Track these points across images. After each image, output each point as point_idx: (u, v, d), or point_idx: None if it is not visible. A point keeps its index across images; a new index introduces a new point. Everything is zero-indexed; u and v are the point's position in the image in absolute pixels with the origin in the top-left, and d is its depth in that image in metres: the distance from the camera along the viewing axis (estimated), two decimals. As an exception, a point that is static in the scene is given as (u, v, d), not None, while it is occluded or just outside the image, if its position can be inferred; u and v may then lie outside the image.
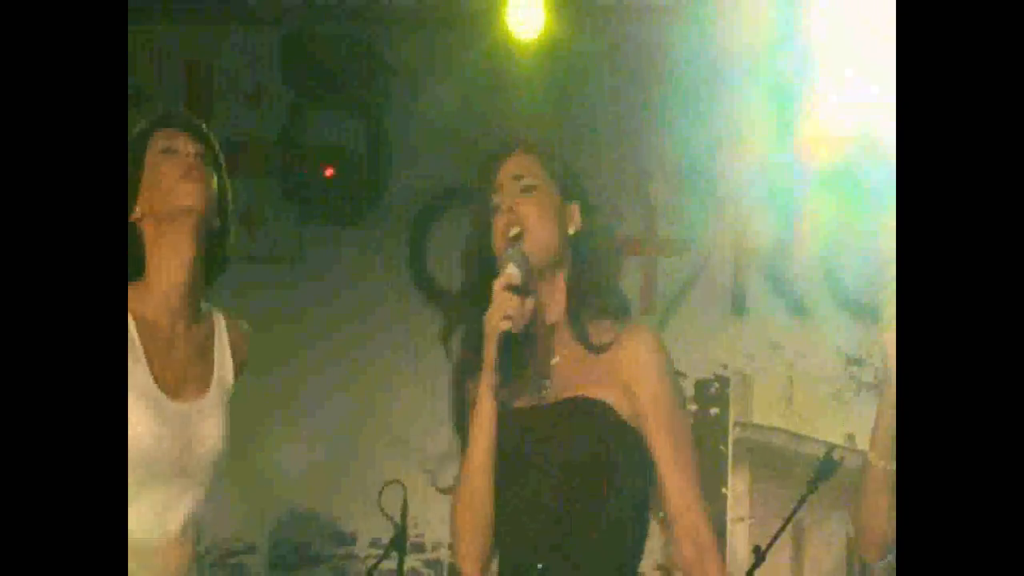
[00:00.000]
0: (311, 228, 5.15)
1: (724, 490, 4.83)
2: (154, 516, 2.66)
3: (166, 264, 2.67)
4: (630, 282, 4.75)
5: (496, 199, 2.60)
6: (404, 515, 4.28)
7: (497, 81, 4.88)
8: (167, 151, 2.69)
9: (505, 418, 2.52)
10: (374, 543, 4.82)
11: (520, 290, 2.48)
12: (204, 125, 2.80)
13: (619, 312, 2.61)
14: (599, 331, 2.57)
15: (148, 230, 2.67)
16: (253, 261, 5.00)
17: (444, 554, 4.99)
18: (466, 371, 2.59)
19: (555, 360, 2.55)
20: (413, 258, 5.08)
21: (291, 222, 5.15)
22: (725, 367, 4.91)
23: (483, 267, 2.59)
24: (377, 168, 5.08)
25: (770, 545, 4.04)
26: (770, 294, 4.93)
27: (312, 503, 5.05)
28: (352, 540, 5.02)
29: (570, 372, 2.54)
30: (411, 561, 4.82)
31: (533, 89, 4.82)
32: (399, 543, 4.31)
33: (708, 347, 4.88)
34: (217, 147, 2.80)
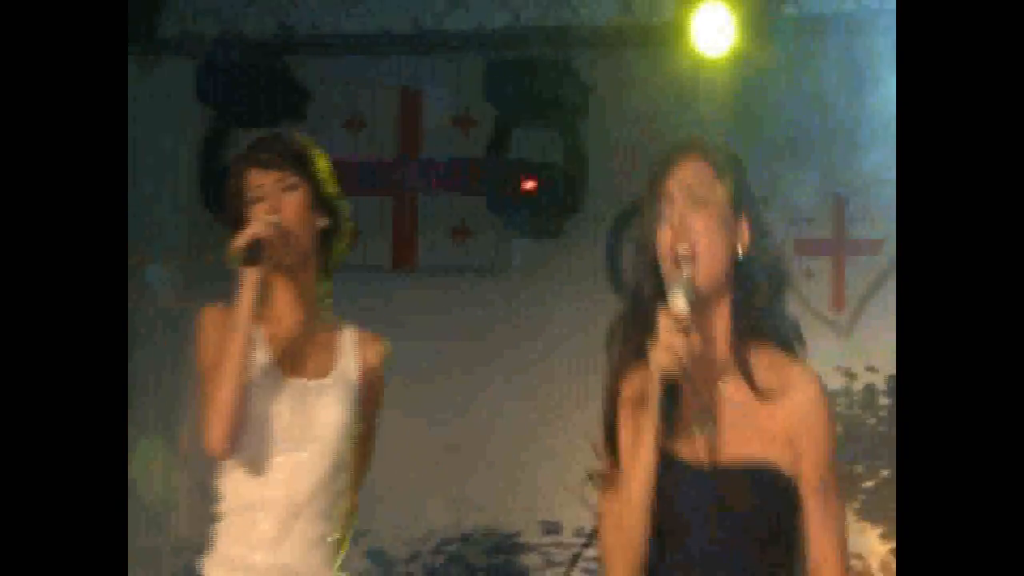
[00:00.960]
0: (515, 239, 5.33)
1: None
2: (282, 480, 2.84)
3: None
4: (820, 283, 5.00)
5: (665, 208, 2.42)
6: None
7: (687, 95, 4.93)
8: (256, 192, 2.87)
9: (667, 468, 2.34)
10: (578, 532, 4.96)
11: (687, 327, 2.30)
12: (290, 146, 2.91)
13: (788, 343, 2.43)
14: (764, 365, 2.40)
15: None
16: (463, 271, 5.34)
17: None
18: (617, 387, 2.45)
19: (719, 407, 2.38)
20: (611, 265, 5.15)
21: (496, 234, 5.34)
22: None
23: (649, 278, 2.43)
24: (575, 181, 5.20)
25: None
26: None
27: (522, 496, 5.16)
28: (558, 529, 5.13)
29: (735, 420, 2.38)
30: None
31: (721, 101, 4.86)
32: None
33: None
34: (308, 159, 2.90)
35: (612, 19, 5.23)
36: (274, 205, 2.86)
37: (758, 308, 2.40)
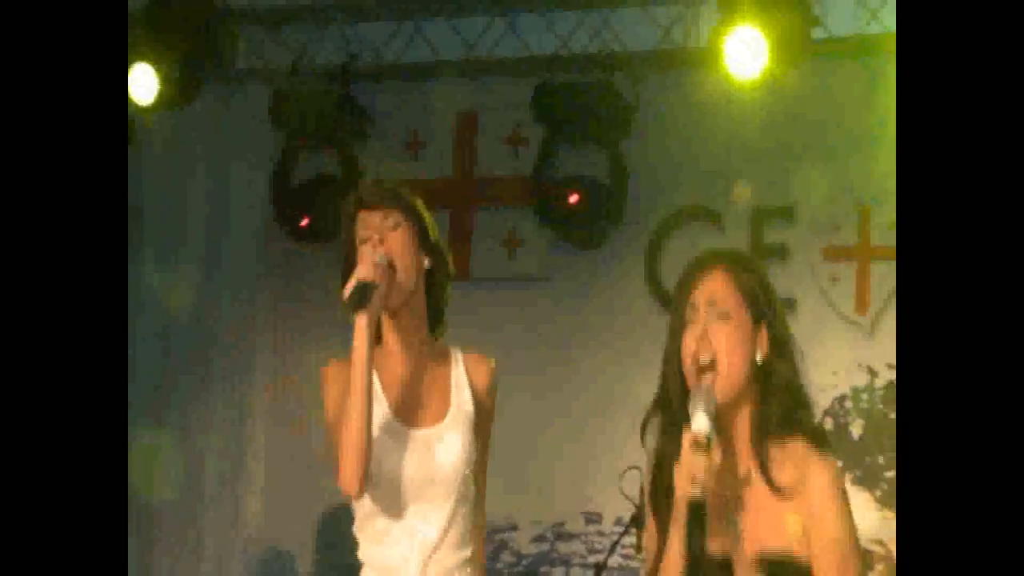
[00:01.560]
0: (561, 250, 5.43)
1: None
2: (413, 529, 2.91)
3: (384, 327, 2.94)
4: (846, 287, 5.05)
5: (690, 315, 2.50)
6: (643, 496, 4.61)
7: (722, 114, 5.06)
8: (364, 232, 2.93)
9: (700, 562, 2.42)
10: (617, 521, 5.03)
11: (708, 445, 2.37)
12: (392, 189, 2.96)
13: (813, 437, 2.50)
14: (787, 458, 2.47)
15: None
16: (510, 281, 5.50)
17: None
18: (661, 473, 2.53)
19: (741, 505, 2.47)
20: (649, 273, 5.32)
21: (544, 245, 5.47)
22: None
23: (674, 383, 2.51)
24: (617, 195, 5.32)
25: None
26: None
27: (565, 487, 5.29)
28: (599, 519, 5.25)
29: (756, 516, 2.47)
30: None
31: (753, 120, 5.02)
32: (638, 521, 4.47)
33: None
34: (410, 201, 2.96)
35: (653, 44, 5.39)
36: (381, 241, 2.91)
37: (778, 412, 2.48)
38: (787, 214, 5.17)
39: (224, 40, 5.69)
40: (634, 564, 5.06)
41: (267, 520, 5.62)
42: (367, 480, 2.90)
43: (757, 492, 2.48)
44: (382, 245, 2.92)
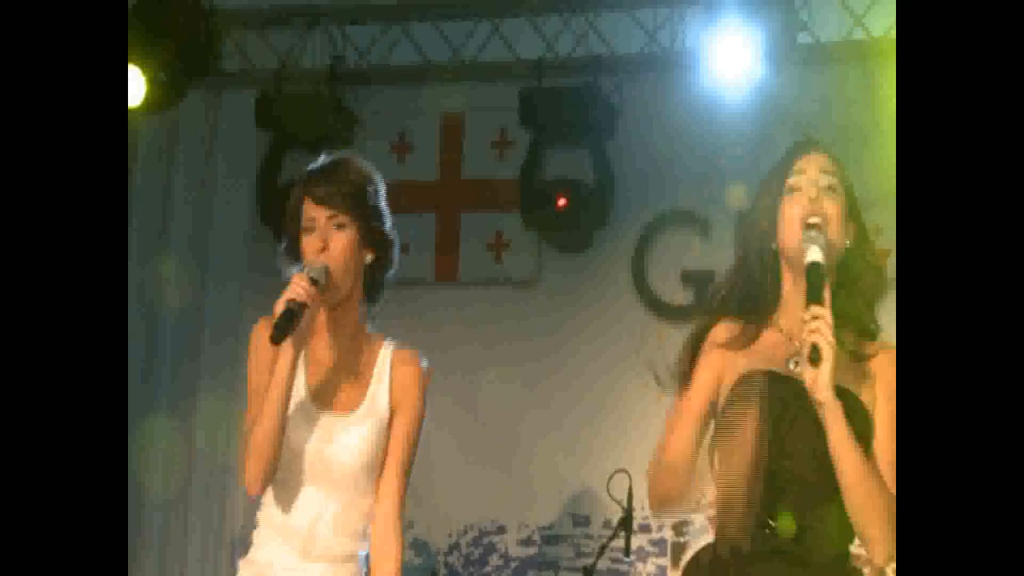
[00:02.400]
0: (547, 252, 5.45)
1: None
2: (306, 509, 2.90)
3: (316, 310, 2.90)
4: None
5: (796, 181, 2.56)
6: (630, 499, 4.53)
7: (706, 117, 5.09)
8: (308, 223, 2.90)
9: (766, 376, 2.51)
10: (606, 524, 5.05)
11: (823, 277, 2.43)
12: (347, 181, 2.92)
13: (871, 335, 2.60)
14: (857, 345, 2.56)
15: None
16: (497, 283, 5.48)
17: (667, 534, 5.15)
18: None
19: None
20: (636, 275, 5.34)
21: (531, 248, 5.46)
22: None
23: (757, 246, 2.59)
24: (604, 198, 5.32)
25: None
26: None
27: (553, 490, 5.29)
28: (587, 522, 5.25)
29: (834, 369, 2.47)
30: (639, 540, 5.03)
31: (736, 123, 5.02)
32: (627, 524, 4.59)
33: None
34: (363, 196, 2.91)
35: (638, 48, 5.39)
36: (323, 239, 2.89)
37: (856, 301, 2.56)
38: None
39: (211, 42, 5.64)
40: (622, 567, 5.09)
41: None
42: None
43: (836, 356, 2.47)
44: (322, 252, 2.89)
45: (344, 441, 2.92)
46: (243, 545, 3.06)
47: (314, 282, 2.84)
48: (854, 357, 2.55)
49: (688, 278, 5.36)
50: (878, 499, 2.46)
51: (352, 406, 2.95)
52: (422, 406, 3.00)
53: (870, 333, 2.59)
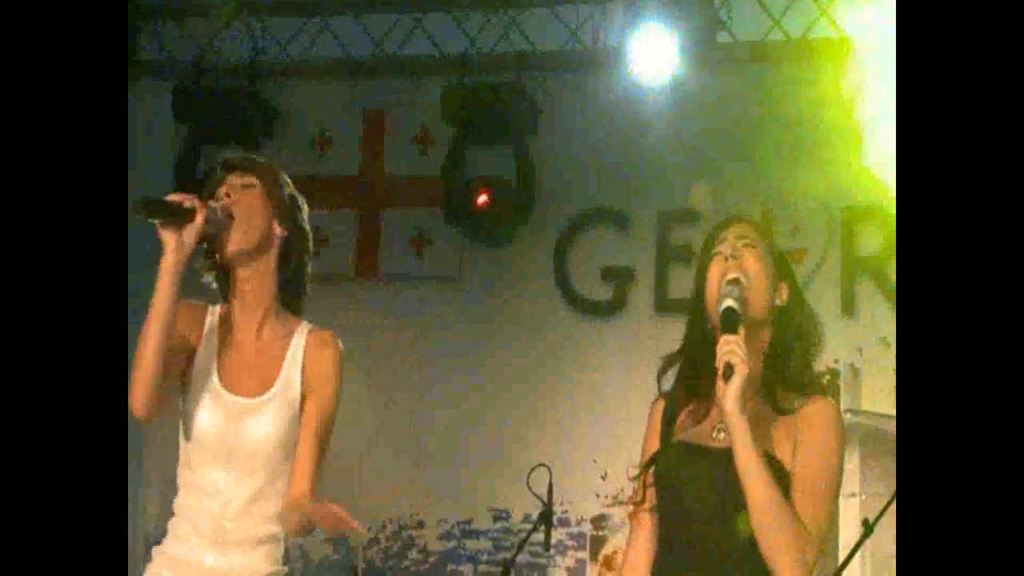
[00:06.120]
0: (469, 249, 5.47)
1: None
2: (216, 492, 2.89)
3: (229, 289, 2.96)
4: None
5: (720, 248, 2.63)
6: (550, 494, 4.42)
7: (627, 115, 5.12)
8: (223, 191, 2.93)
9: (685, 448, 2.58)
10: (526, 518, 5.12)
11: (738, 321, 2.46)
12: (257, 158, 2.99)
13: (809, 390, 2.61)
14: (787, 400, 2.58)
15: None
16: (420, 280, 5.50)
17: (587, 528, 5.23)
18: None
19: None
20: (557, 272, 5.39)
21: (453, 244, 5.49)
22: (837, 361, 4.94)
23: (700, 323, 2.62)
24: (526, 194, 5.37)
25: (878, 518, 4.24)
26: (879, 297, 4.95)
27: (473, 484, 5.33)
28: (507, 516, 5.31)
29: (751, 423, 2.50)
30: (558, 535, 5.08)
31: (658, 122, 5.05)
32: (547, 518, 4.47)
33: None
34: (271, 170, 2.97)
35: (560, 45, 5.44)
36: (232, 199, 2.93)
37: (790, 358, 2.59)
38: (692, 217, 5.21)
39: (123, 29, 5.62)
40: (542, 561, 5.14)
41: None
42: (185, 434, 2.93)
43: (756, 409, 2.53)
44: (229, 200, 2.95)
45: (253, 424, 2.91)
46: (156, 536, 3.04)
47: (212, 211, 2.87)
48: (779, 411, 2.58)
49: (608, 274, 5.41)
50: (788, 527, 2.48)
51: (264, 388, 2.94)
52: (337, 388, 2.98)
53: (802, 389, 2.62)
